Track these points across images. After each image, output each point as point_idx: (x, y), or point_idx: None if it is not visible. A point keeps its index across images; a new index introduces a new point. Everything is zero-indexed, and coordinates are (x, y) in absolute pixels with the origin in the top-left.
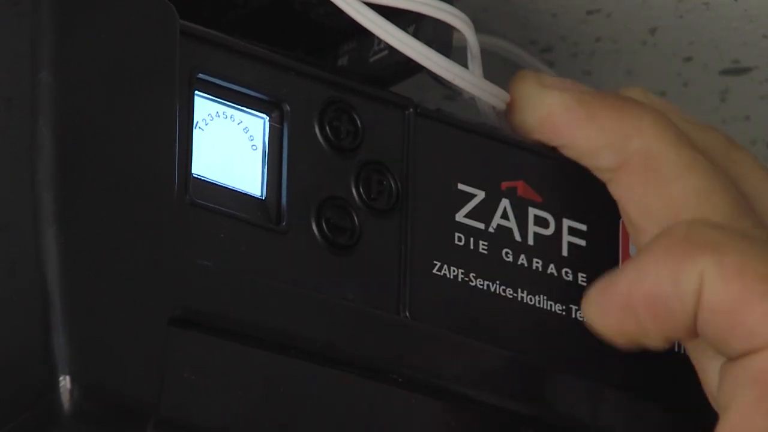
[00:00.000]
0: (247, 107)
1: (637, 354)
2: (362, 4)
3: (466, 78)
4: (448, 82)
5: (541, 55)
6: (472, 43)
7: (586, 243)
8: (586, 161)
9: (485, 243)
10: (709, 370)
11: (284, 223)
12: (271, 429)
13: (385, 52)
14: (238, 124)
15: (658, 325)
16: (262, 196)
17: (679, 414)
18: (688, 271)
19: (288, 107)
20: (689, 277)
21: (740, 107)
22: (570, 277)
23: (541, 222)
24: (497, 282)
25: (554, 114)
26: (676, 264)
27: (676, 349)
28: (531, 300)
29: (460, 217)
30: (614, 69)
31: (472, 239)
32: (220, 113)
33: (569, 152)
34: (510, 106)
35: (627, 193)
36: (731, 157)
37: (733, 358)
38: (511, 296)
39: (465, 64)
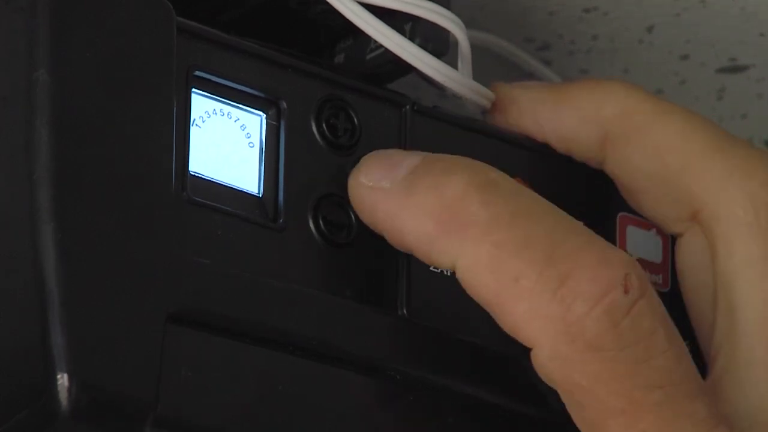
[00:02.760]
0: (244, 105)
1: None
2: (356, 3)
3: (454, 78)
4: (437, 82)
5: (538, 53)
6: (463, 44)
7: None
8: (575, 149)
9: None
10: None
11: (281, 221)
12: (268, 426)
13: (382, 50)
14: (235, 121)
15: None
16: (259, 193)
17: None
18: (443, 249)
19: (285, 105)
20: (443, 256)
21: (737, 105)
22: None
23: None
24: None
25: (527, 108)
26: (434, 233)
27: None
28: None
29: None
30: (611, 67)
31: None
32: (217, 111)
33: (558, 145)
34: (494, 104)
35: (617, 164)
36: None
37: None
38: None
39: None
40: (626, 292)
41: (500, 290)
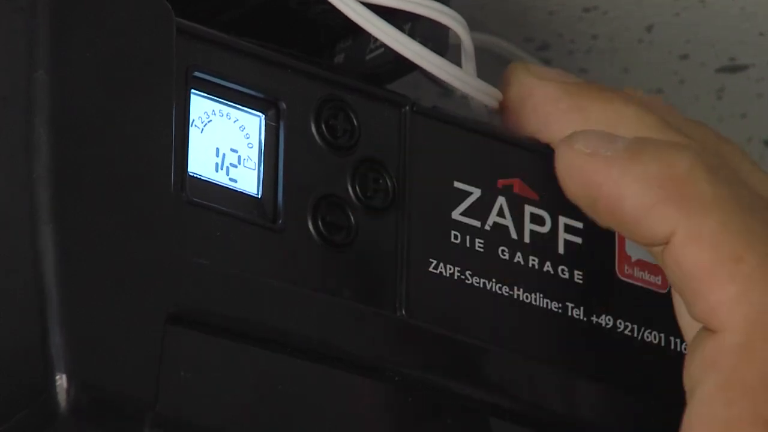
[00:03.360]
0: (244, 105)
1: (636, 354)
2: (358, 2)
3: (460, 77)
4: (442, 80)
5: (538, 53)
6: (466, 42)
7: (583, 241)
8: None
9: (481, 241)
10: (683, 316)
11: (280, 222)
12: (267, 427)
13: (381, 50)
14: (235, 122)
15: (614, 225)
16: (258, 194)
17: (675, 411)
18: (663, 218)
19: (284, 105)
20: (661, 226)
21: (737, 105)
22: (566, 275)
23: (537, 220)
24: (493, 280)
25: (540, 105)
26: (656, 201)
27: (672, 347)
28: (527, 298)
29: (456, 214)
30: (611, 67)
31: (468, 237)
32: (217, 111)
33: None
34: (502, 102)
35: None
36: (720, 151)
37: (697, 326)
38: (507, 294)
39: (460, 63)
40: None
41: (717, 267)
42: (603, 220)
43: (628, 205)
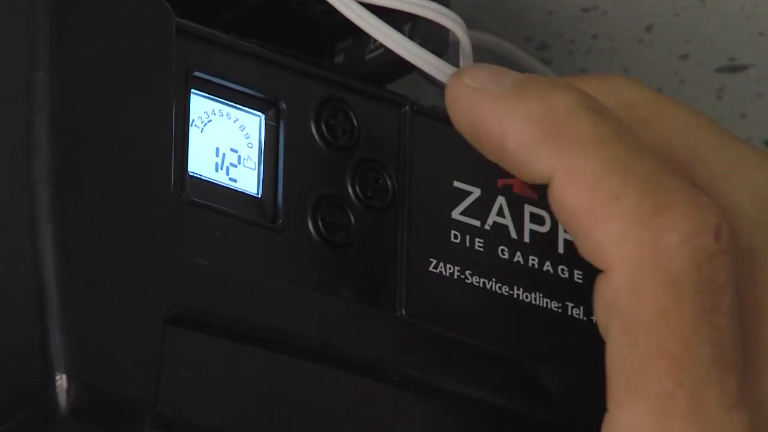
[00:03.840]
0: (244, 105)
1: None
2: (357, 3)
3: None
4: (440, 81)
5: (537, 53)
6: (464, 42)
7: None
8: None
9: (481, 240)
10: None
11: (280, 222)
12: (267, 427)
13: (381, 50)
14: (234, 122)
15: (498, 161)
16: (258, 194)
17: None
18: (542, 157)
19: (284, 105)
20: (541, 165)
21: (736, 105)
22: (566, 275)
23: (537, 219)
24: (493, 279)
25: (536, 87)
26: (536, 139)
27: None
28: (527, 297)
29: (456, 214)
30: (610, 67)
31: (468, 237)
32: (217, 111)
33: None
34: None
35: None
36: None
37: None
38: (507, 294)
39: (458, 63)
40: (716, 239)
41: (595, 206)
42: (488, 155)
43: (509, 142)
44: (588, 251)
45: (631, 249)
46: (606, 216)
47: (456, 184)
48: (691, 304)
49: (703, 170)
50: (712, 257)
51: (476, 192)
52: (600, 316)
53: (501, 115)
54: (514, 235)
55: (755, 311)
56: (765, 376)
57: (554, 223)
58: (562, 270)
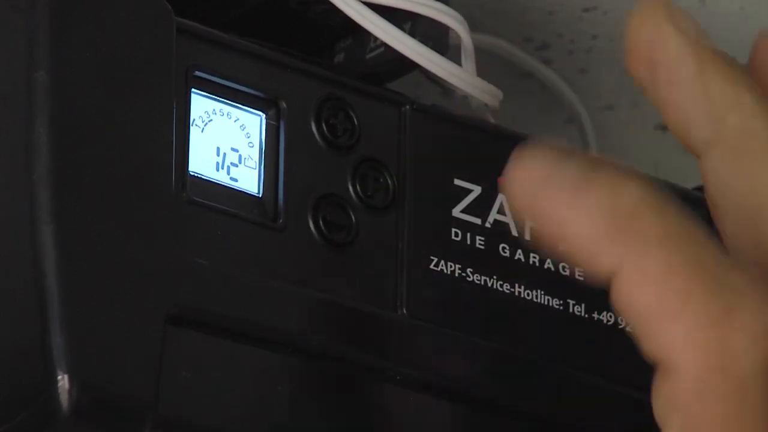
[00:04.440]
0: (244, 105)
1: (637, 351)
2: (358, 2)
3: (460, 76)
4: (442, 80)
5: (537, 53)
6: (466, 41)
7: None
8: (680, 129)
9: (482, 238)
10: None
11: (281, 221)
12: (268, 427)
13: (381, 49)
14: (235, 121)
15: (562, 253)
16: (258, 193)
17: None
18: (609, 253)
19: (285, 105)
20: (607, 260)
21: None
22: (567, 272)
23: None
24: (494, 277)
25: (666, 63)
26: (603, 234)
27: None
28: (528, 295)
29: (456, 212)
30: (611, 66)
31: (468, 235)
32: (217, 111)
33: (667, 114)
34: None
35: (714, 168)
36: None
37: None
38: (508, 292)
39: (460, 62)
40: None
41: (662, 308)
42: (552, 246)
43: (574, 234)
44: (653, 352)
45: (699, 351)
46: (672, 318)
47: (456, 182)
48: (756, 410)
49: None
50: None
51: (477, 190)
52: (659, 410)
53: (565, 205)
54: (514, 233)
55: None
56: None
57: None
58: (563, 267)
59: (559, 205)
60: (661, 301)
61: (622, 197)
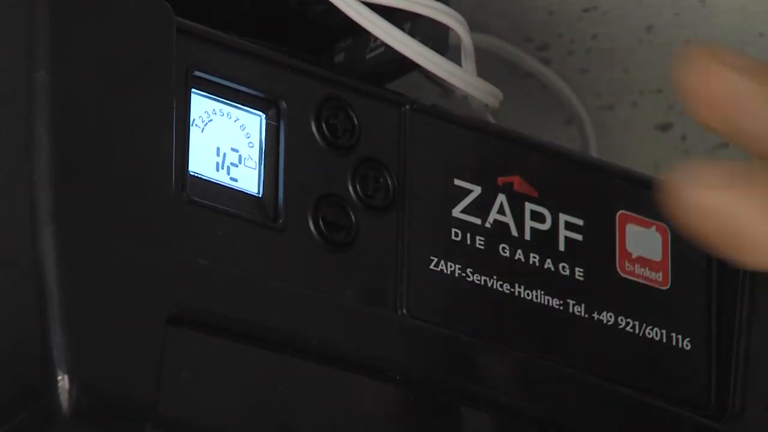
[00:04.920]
0: (244, 105)
1: (637, 351)
2: (358, 1)
3: (460, 76)
4: (442, 80)
5: (537, 53)
6: (466, 41)
7: (583, 238)
8: (755, 148)
9: (482, 238)
10: None
11: (281, 221)
12: (268, 427)
13: (381, 49)
14: (235, 121)
15: (729, 251)
16: (258, 193)
17: (680, 410)
18: None
19: (285, 105)
20: None
21: None
22: (567, 272)
23: (537, 217)
24: (494, 277)
25: (733, 100)
26: None
27: (673, 344)
28: (528, 295)
29: (456, 212)
30: (611, 67)
31: (468, 235)
32: (217, 111)
33: (743, 132)
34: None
35: None
36: None
37: None
38: (508, 292)
39: (460, 62)
40: None
41: None
42: (719, 249)
43: (749, 233)
44: None
45: None
46: None
47: (456, 182)
48: None
49: None
50: None
51: (477, 190)
52: None
53: (735, 206)
54: (514, 233)
55: None
56: None
57: (554, 221)
58: (563, 267)
59: (729, 207)
60: None
61: None
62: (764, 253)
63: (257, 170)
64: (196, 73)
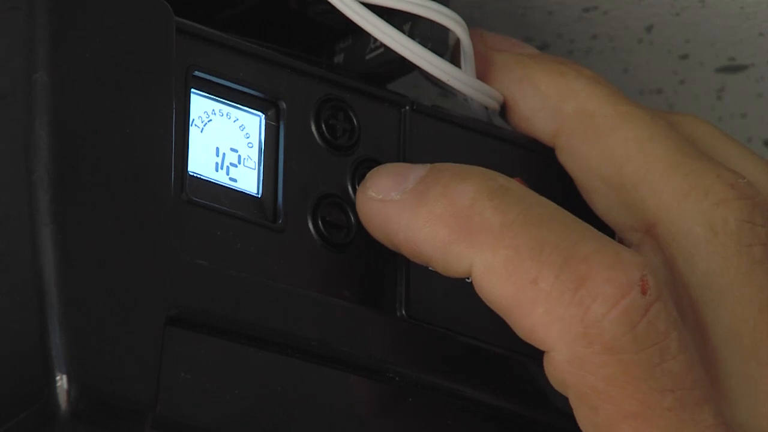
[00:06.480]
0: (244, 105)
1: None
2: (357, 3)
3: (459, 77)
4: (442, 81)
5: None
6: (466, 43)
7: None
8: (525, 127)
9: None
10: None
11: (280, 221)
12: (267, 427)
13: (381, 50)
14: (234, 121)
15: (425, 265)
16: (258, 194)
17: None
18: (458, 256)
19: (284, 105)
20: (459, 263)
21: (736, 105)
22: None
23: None
24: None
25: (496, 75)
26: (448, 241)
27: None
28: None
29: None
30: (611, 66)
31: None
32: (217, 111)
33: (511, 119)
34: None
35: (570, 156)
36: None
37: None
38: None
39: (459, 64)
40: (643, 293)
41: (517, 294)
42: (416, 261)
43: (424, 249)
44: (524, 336)
45: (562, 328)
46: (530, 301)
47: None
48: (637, 364)
49: (654, 192)
50: (644, 312)
51: None
52: (557, 389)
53: (409, 223)
54: None
55: (715, 338)
56: (737, 397)
57: None
58: None
59: (403, 225)
60: (515, 288)
61: (456, 199)
62: (444, 266)
63: (256, 170)
64: (196, 73)
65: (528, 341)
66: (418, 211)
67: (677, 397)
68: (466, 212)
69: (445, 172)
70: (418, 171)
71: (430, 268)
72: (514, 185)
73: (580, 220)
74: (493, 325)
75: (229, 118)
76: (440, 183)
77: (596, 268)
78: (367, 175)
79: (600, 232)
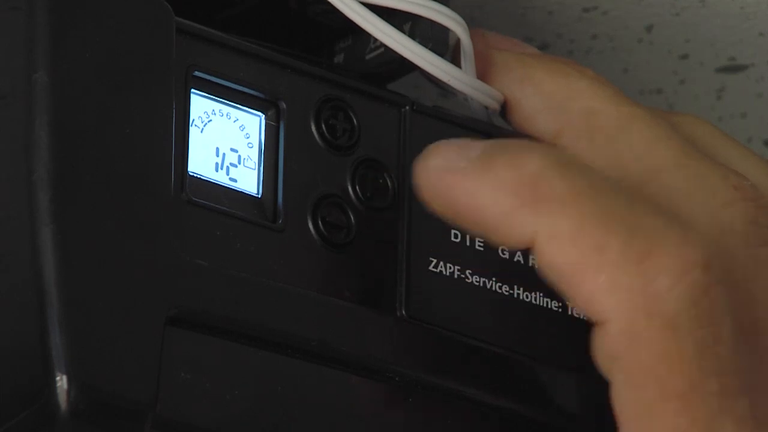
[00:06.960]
0: (244, 105)
1: None
2: (357, 2)
3: (460, 78)
4: (442, 81)
5: None
6: (466, 43)
7: None
8: (527, 127)
9: (481, 240)
10: None
11: (280, 221)
12: (267, 428)
13: (381, 50)
14: (234, 121)
15: (481, 235)
16: (258, 194)
17: None
18: (522, 223)
19: (284, 105)
20: (522, 230)
21: (737, 105)
22: None
23: None
24: (493, 279)
25: (497, 75)
26: (513, 207)
27: None
28: (527, 296)
29: None
30: (611, 66)
31: (468, 236)
32: (217, 111)
33: (512, 118)
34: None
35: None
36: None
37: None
38: (507, 293)
39: (459, 64)
40: (706, 272)
41: (581, 261)
42: (471, 232)
43: (487, 215)
44: (581, 306)
45: (624, 298)
46: (593, 269)
47: None
48: (692, 343)
49: (659, 197)
50: (706, 291)
51: None
52: (602, 364)
53: (474, 189)
54: None
55: (758, 330)
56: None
57: None
58: None
59: (468, 192)
60: (579, 255)
61: (524, 167)
62: (506, 234)
63: (256, 171)
64: (196, 73)
65: (582, 310)
66: (485, 178)
67: (721, 382)
68: (534, 180)
69: (512, 142)
70: (482, 143)
71: (431, 267)
72: (578, 159)
73: (646, 197)
74: (493, 325)
75: (229, 118)
76: (508, 151)
77: (663, 242)
78: (427, 149)
79: (665, 210)
